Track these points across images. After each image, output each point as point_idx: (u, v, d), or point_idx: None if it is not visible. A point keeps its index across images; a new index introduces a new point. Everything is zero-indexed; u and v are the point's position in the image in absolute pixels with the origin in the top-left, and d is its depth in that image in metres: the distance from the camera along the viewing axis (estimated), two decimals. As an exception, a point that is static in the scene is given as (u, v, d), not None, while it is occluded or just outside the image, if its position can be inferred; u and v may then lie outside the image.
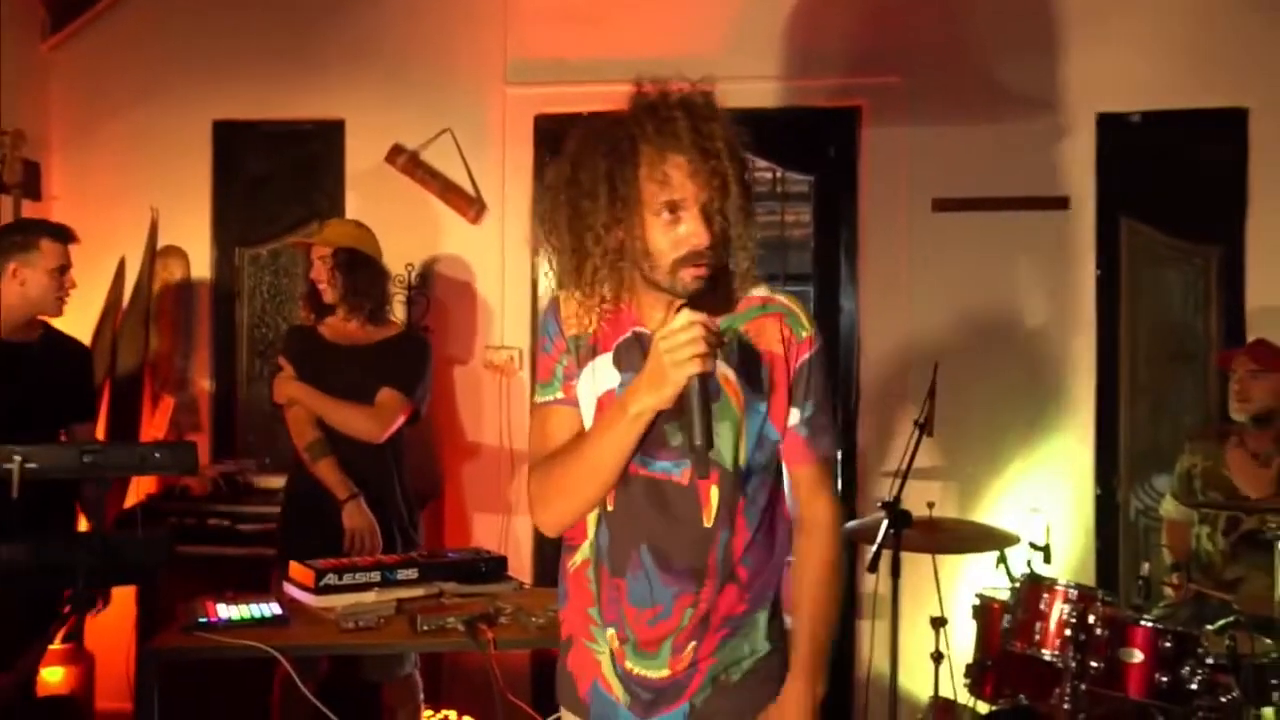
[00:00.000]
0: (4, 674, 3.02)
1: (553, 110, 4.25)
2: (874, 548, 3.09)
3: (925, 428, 3.43)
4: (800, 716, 1.81)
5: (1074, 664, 2.95)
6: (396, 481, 3.43)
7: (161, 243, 4.31)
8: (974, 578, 3.75)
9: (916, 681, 3.65)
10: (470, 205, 4.29)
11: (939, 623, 3.47)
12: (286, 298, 4.39)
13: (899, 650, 3.20)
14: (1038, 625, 3.07)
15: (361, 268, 3.39)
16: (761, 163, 4.43)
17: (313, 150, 4.39)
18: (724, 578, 1.77)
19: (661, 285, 1.71)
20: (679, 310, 1.61)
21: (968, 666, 3.37)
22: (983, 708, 3.33)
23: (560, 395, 1.80)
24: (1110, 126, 4.07)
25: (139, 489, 4.08)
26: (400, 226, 4.31)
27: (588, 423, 1.78)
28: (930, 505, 3.46)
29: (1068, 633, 2.97)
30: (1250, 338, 3.98)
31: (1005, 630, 3.16)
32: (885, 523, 3.14)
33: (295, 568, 2.87)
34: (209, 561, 3.65)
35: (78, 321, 4.32)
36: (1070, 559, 3.93)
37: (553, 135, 4.28)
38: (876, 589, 3.19)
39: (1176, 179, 4.05)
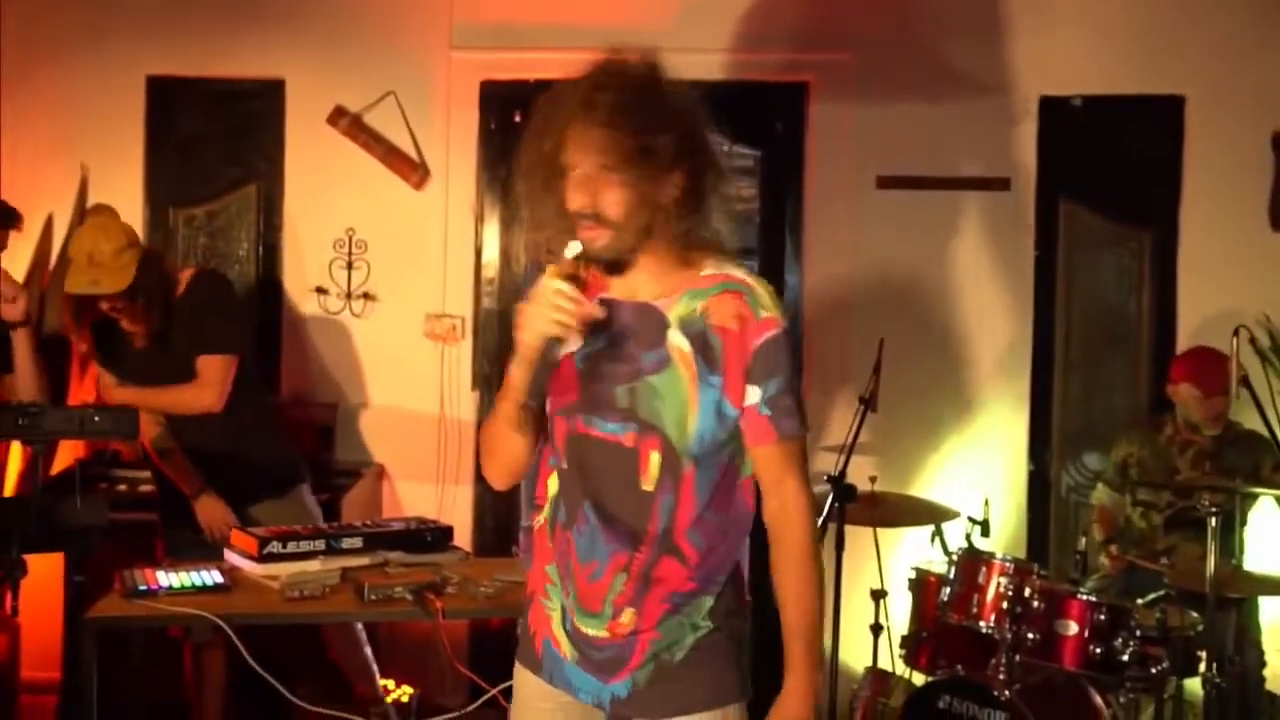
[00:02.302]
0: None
1: (499, 76, 4.20)
2: (818, 521, 3.12)
3: (870, 403, 3.48)
4: (802, 706, 1.82)
5: (1010, 636, 3.02)
6: (267, 431, 3.38)
7: (91, 201, 4.18)
8: (913, 551, 3.82)
9: (854, 653, 3.70)
10: (414, 170, 4.22)
11: (879, 595, 3.53)
12: (223, 259, 4.29)
13: (841, 624, 3.26)
14: (975, 598, 3.13)
15: (144, 283, 3.09)
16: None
17: (251, 109, 4.28)
18: (664, 547, 1.79)
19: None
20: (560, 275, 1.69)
21: (903, 638, 3.44)
22: (919, 678, 3.39)
23: None
24: (1052, 110, 4.13)
25: (65, 455, 3.97)
26: (341, 190, 4.25)
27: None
28: (872, 480, 3.52)
29: (1004, 605, 3.04)
30: (1180, 320, 4.11)
31: (942, 603, 3.22)
32: (830, 497, 3.18)
33: (238, 535, 2.82)
34: (139, 528, 3.56)
35: (3, 280, 4.18)
36: (1003, 534, 4.01)
37: (498, 101, 4.23)
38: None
39: (1114, 163, 4.14)
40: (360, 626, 3.39)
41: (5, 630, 3.67)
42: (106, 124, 4.25)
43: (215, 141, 4.31)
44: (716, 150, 1.81)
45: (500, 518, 4.25)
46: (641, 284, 1.79)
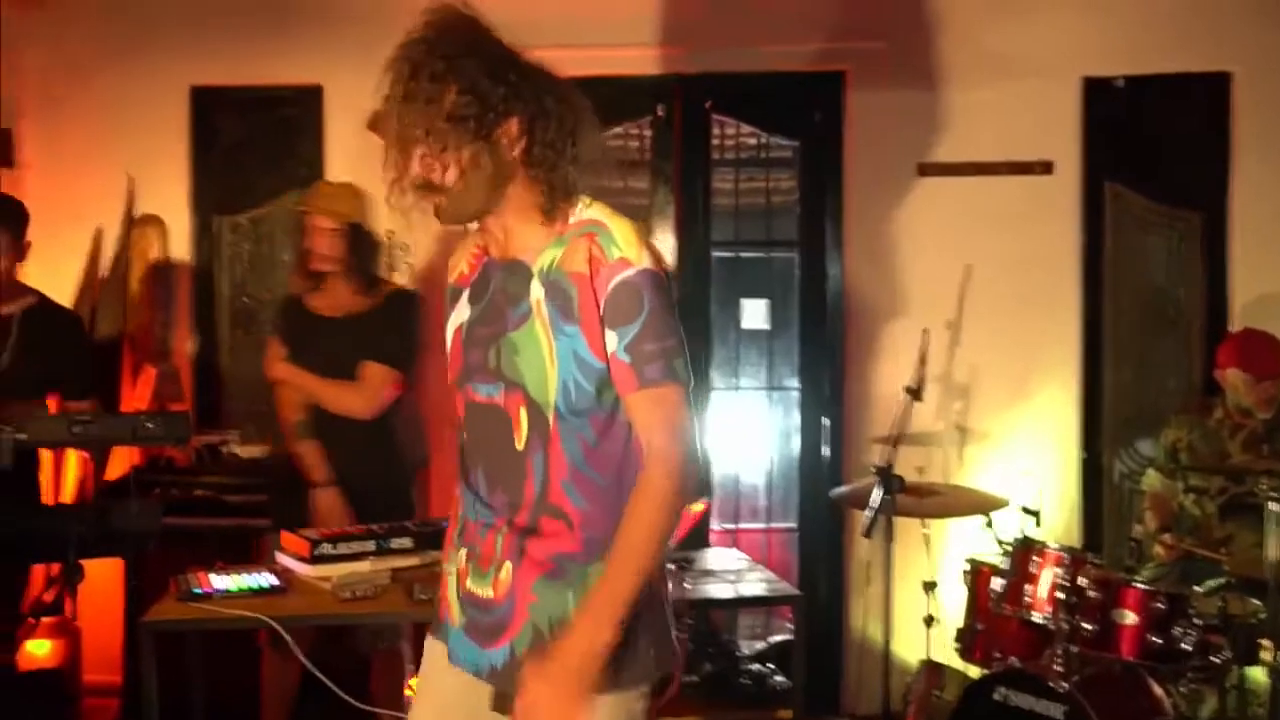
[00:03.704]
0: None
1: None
2: (868, 513, 3.11)
3: (916, 393, 3.45)
4: (571, 658, 1.62)
5: (1065, 626, 2.98)
6: (390, 457, 3.39)
7: (138, 211, 4.23)
8: (963, 541, 3.78)
9: (907, 646, 3.67)
10: (450, 171, 4.23)
11: (930, 587, 3.50)
12: (268, 265, 4.33)
13: (892, 616, 3.23)
14: (1028, 588, 3.10)
15: (364, 240, 3.32)
16: (746, 128, 4.42)
17: (290, 116, 4.31)
18: (540, 507, 1.72)
19: None
20: None
21: (958, 630, 3.40)
22: (973, 671, 3.36)
23: None
24: (1095, 91, 4.07)
25: (120, 461, 4.03)
26: (381, 194, 4.26)
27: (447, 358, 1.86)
28: (920, 470, 3.49)
29: (1059, 595, 3.00)
30: (1232, 303, 4.03)
31: (995, 594, 3.19)
32: (879, 488, 3.16)
33: (288, 537, 2.84)
34: (195, 533, 3.61)
35: (56, 294, 4.26)
36: (1056, 522, 3.96)
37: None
38: (870, 554, 3.19)
39: (1161, 144, 4.07)
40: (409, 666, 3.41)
41: (65, 634, 3.74)
42: (152, 135, 4.30)
43: (257, 149, 4.34)
44: (557, 94, 1.71)
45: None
46: (511, 239, 1.75)
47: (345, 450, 3.27)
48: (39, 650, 3.63)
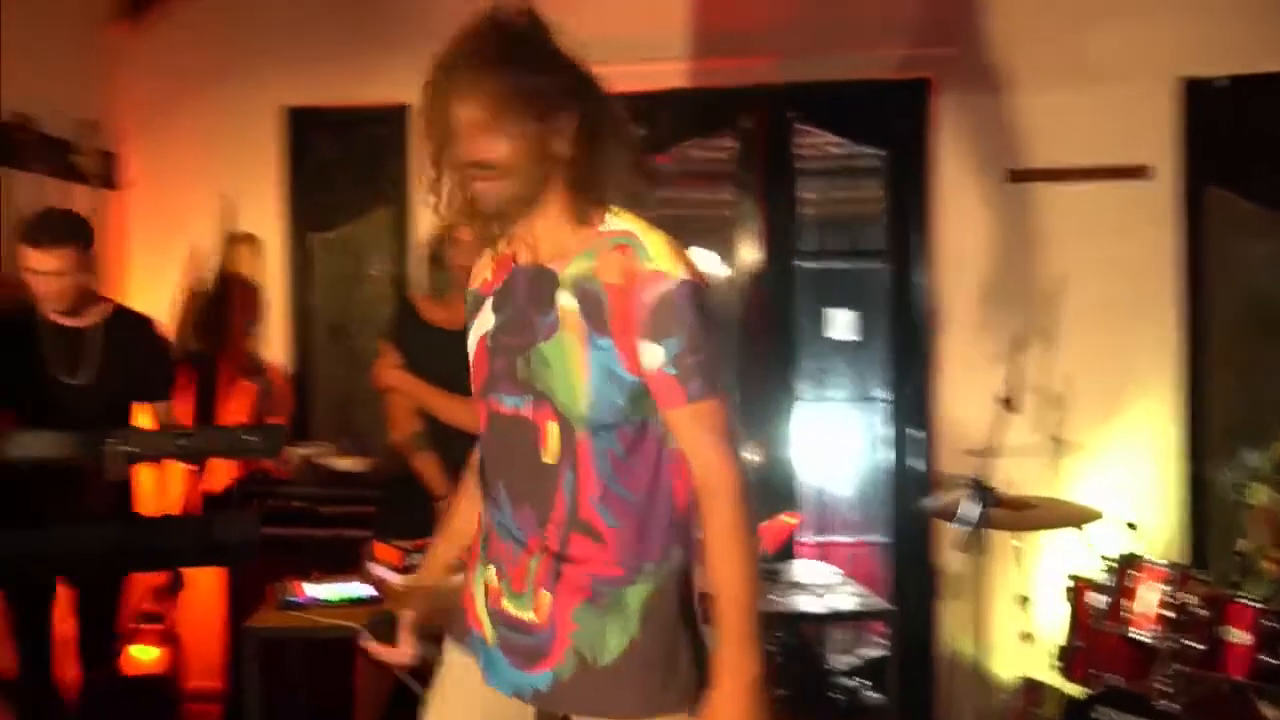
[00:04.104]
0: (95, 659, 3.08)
1: (616, 88, 4.21)
2: (962, 527, 3.05)
3: (1009, 404, 3.38)
4: (734, 697, 1.61)
5: (1171, 645, 2.88)
6: None
7: (235, 229, 4.34)
8: (1056, 555, 3.69)
9: (1001, 662, 3.59)
10: (535, 185, 4.26)
11: (1024, 602, 3.42)
12: (356, 281, 4.42)
13: (984, 631, 3.16)
14: (1131, 605, 3.01)
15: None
16: (831, 137, 4.38)
17: (378, 135, 4.39)
18: (572, 523, 1.68)
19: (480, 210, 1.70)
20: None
21: (1060, 649, 3.31)
22: (1073, 689, 3.27)
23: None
24: (1195, 92, 3.95)
25: (220, 474, 4.13)
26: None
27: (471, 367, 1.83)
28: (1014, 483, 3.41)
29: (1164, 612, 2.91)
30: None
31: (1097, 610, 3.10)
32: (972, 501, 3.10)
33: (381, 548, 2.89)
34: (292, 543, 3.67)
35: (155, 309, 4.39)
36: (1155, 536, 3.84)
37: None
38: (963, 568, 3.13)
39: (1266, 145, 3.93)
40: None
41: (168, 642, 3.84)
42: (247, 155, 4.42)
43: (347, 167, 4.44)
44: (609, 99, 1.72)
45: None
46: (541, 246, 1.72)
47: (460, 464, 3.27)
48: (144, 656, 3.73)
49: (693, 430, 1.64)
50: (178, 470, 3.98)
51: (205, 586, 3.32)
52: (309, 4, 4.40)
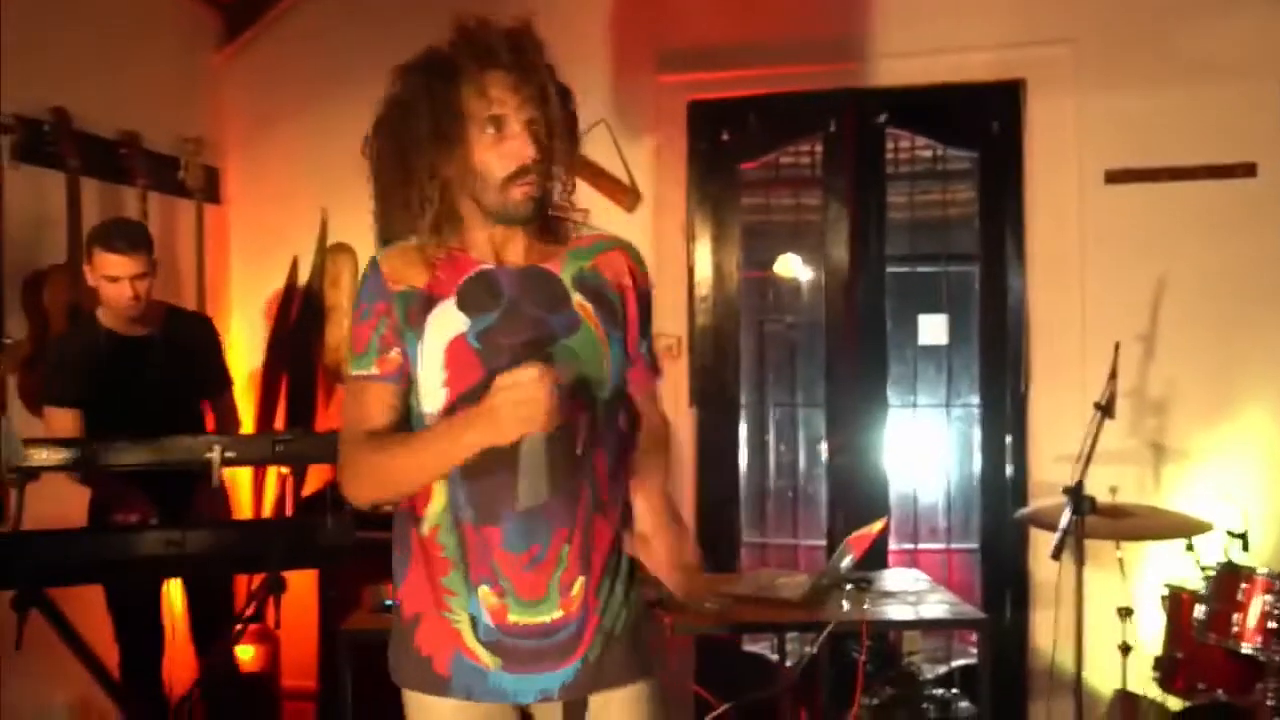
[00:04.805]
0: (208, 655, 3.19)
1: (704, 96, 4.24)
2: (1056, 535, 2.98)
3: (1107, 410, 3.29)
4: (698, 556, 1.75)
5: (1278, 658, 2.78)
6: None
7: (331, 240, 4.46)
8: (1161, 566, 3.59)
9: (1100, 674, 3.50)
10: (625, 194, 4.30)
11: (1125, 613, 3.33)
12: (448, 290, 4.49)
13: (1080, 641, 3.08)
14: (1236, 616, 2.92)
15: None
16: (921, 140, 4.33)
17: (470, 145, 4.46)
18: (593, 507, 1.73)
19: (493, 209, 1.70)
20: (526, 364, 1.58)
21: (1157, 659, 3.23)
22: (1173, 703, 3.18)
23: (375, 370, 1.73)
24: (1303, 87, 3.81)
25: (315, 477, 4.24)
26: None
27: (435, 371, 1.70)
28: (1113, 490, 3.33)
29: (1271, 625, 2.81)
30: None
31: (1199, 622, 3.01)
32: (1068, 509, 3.03)
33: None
34: (384, 545, 3.75)
35: (255, 319, 4.54)
36: (1265, 546, 3.70)
37: (705, 120, 4.27)
38: (1059, 577, 3.06)
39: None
40: None
41: (267, 642, 3.95)
42: (342, 168, 4.45)
43: (440, 179, 4.51)
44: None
45: (722, 530, 4.26)
46: (529, 247, 1.76)
47: None
48: (244, 655, 3.85)
49: (654, 398, 1.90)
50: (274, 474, 4.11)
51: (299, 588, 3.41)
52: (397, 20, 4.48)
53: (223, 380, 3.47)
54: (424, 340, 1.71)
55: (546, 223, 1.77)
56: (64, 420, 3.14)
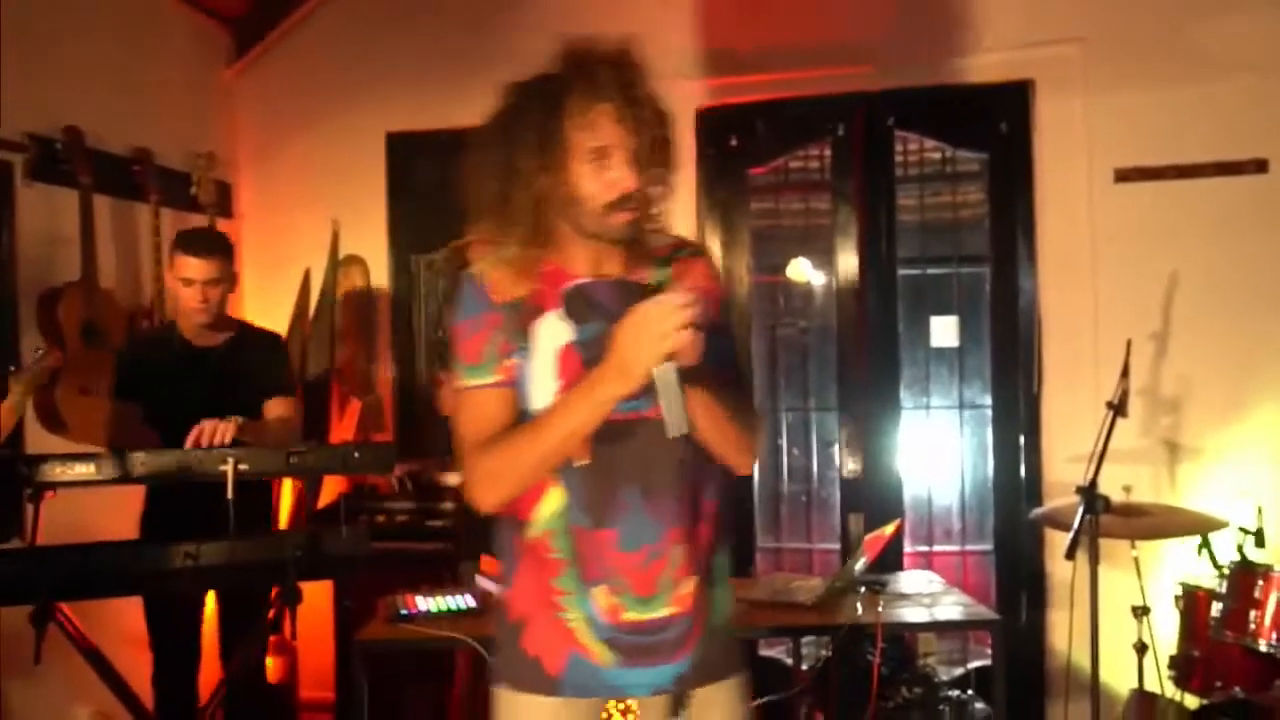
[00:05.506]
0: (230, 661, 3.21)
1: (714, 102, 4.25)
2: (1070, 534, 2.98)
3: (1119, 408, 3.28)
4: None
5: (1296, 655, 2.77)
6: None
7: (343, 252, 4.48)
8: (1176, 565, 3.57)
9: (1116, 674, 3.49)
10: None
11: (1141, 612, 3.32)
12: (460, 300, 4.50)
13: (1096, 641, 3.07)
14: (1252, 614, 2.91)
15: None
16: (930, 142, 4.33)
17: (480, 156, 4.48)
18: (696, 507, 1.81)
19: (590, 231, 1.77)
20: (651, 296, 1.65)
21: (1173, 658, 3.22)
22: (1190, 701, 3.16)
23: (499, 378, 1.79)
24: (1312, 82, 3.80)
25: (328, 489, 4.26)
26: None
27: (548, 379, 1.77)
28: (1127, 489, 3.32)
29: (1288, 622, 2.80)
30: None
31: (1215, 620, 3.00)
32: (1081, 508, 3.02)
33: (487, 561, 2.94)
34: (398, 557, 3.77)
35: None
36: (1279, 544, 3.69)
37: (714, 126, 4.28)
38: (1074, 577, 3.05)
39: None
40: None
41: (284, 653, 3.97)
42: (353, 180, 4.56)
43: (448, 189, 4.51)
44: None
45: (736, 535, 4.24)
46: (609, 261, 1.82)
47: None
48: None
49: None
50: (289, 486, 4.13)
51: (315, 599, 3.43)
52: (406, 33, 4.53)
53: (279, 388, 3.39)
54: (533, 349, 1.78)
55: (636, 237, 1.83)
56: (126, 415, 3.21)
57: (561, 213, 1.77)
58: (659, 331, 1.60)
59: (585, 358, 1.77)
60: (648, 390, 1.71)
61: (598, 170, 1.73)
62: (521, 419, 1.79)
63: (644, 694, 1.83)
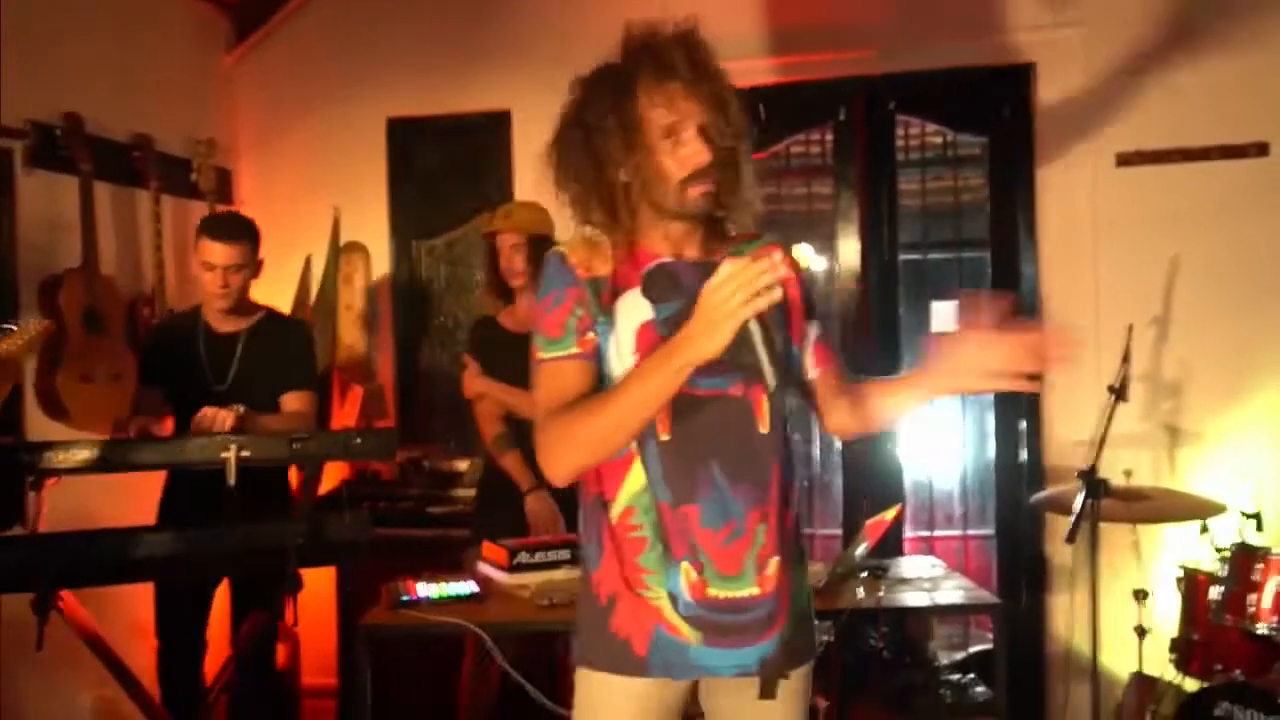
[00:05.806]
0: (234, 646, 3.22)
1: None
2: (1071, 518, 2.98)
3: (1120, 393, 3.29)
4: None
5: (1296, 638, 2.78)
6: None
7: (344, 239, 4.48)
8: (1176, 548, 3.58)
9: (1117, 657, 3.50)
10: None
11: (1141, 596, 3.33)
12: (463, 287, 4.51)
13: (1096, 625, 3.09)
14: (1251, 597, 2.92)
15: (537, 262, 3.40)
16: (931, 127, 4.32)
17: (480, 142, 4.48)
18: (782, 488, 1.82)
19: (670, 209, 1.81)
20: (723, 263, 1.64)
21: (1173, 641, 3.23)
22: (1190, 684, 3.17)
23: (576, 350, 1.82)
24: (1314, 64, 3.79)
25: (330, 476, 4.27)
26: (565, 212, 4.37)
27: (627, 355, 1.80)
28: (1127, 473, 3.32)
29: (1288, 605, 2.80)
30: None
31: (1215, 603, 3.01)
32: (1082, 492, 3.03)
33: (489, 547, 2.95)
34: (400, 543, 3.78)
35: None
36: (1278, 527, 3.69)
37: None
38: (1074, 561, 3.06)
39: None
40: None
41: (286, 640, 3.98)
42: (354, 167, 4.55)
43: (450, 175, 4.54)
44: None
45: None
46: (690, 243, 1.86)
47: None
48: (266, 653, 3.87)
49: (840, 379, 1.99)
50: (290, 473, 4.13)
51: (317, 585, 3.44)
52: (406, 18, 4.52)
53: (299, 379, 3.35)
54: (614, 325, 1.81)
55: (714, 220, 1.87)
56: (151, 399, 3.23)
57: (642, 194, 1.81)
58: (748, 287, 1.59)
59: (664, 336, 1.77)
60: (728, 370, 1.74)
61: (673, 146, 1.78)
62: None
63: (729, 674, 1.82)
